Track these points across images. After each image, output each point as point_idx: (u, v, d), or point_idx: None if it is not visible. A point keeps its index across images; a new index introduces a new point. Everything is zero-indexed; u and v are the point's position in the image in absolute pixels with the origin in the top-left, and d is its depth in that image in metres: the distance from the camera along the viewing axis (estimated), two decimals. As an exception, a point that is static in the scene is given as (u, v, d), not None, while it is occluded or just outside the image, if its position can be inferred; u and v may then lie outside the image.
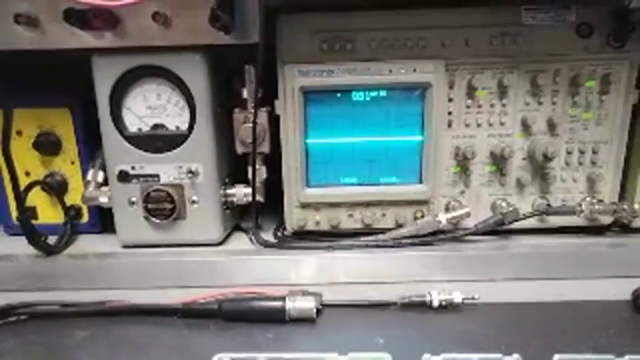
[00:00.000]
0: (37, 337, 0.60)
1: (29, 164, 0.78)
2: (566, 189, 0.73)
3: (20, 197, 0.69)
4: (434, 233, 0.72)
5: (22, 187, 0.70)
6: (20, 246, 0.73)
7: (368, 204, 0.74)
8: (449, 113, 0.71)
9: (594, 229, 0.75)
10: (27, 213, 0.71)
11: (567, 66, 0.69)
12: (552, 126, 0.71)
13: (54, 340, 0.59)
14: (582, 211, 0.72)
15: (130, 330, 0.61)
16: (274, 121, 0.72)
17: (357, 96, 0.70)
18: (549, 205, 0.73)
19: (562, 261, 0.69)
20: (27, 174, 0.78)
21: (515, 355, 0.46)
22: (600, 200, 0.73)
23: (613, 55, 0.68)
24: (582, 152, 0.72)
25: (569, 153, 0.72)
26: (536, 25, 0.68)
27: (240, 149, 0.73)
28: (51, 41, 0.66)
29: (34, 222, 0.72)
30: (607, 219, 0.74)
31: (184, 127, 0.71)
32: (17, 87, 0.80)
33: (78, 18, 0.63)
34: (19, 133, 0.76)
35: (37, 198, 0.78)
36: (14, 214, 0.79)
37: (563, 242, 0.73)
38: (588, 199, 0.73)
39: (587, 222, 0.74)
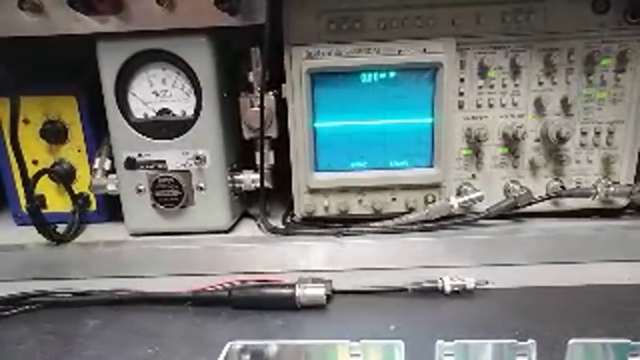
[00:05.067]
0: (49, 325, 0.60)
1: (36, 152, 0.77)
2: (581, 170, 0.72)
3: (29, 186, 0.69)
4: (445, 217, 0.71)
5: (30, 176, 0.70)
6: (30, 235, 0.73)
7: (378, 189, 0.73)
8: (460, 94, 0.69)
9: (610, 212, 0.73)
10: (36, 202, 0.71)
11: (582, 44, 0.67)
12: (566, 106, 0.69)
13: (66, 329, 0.59)
14: (597, 193, 0.70)
15: (140, 319, 0.61)
16: (282, 105, 0.71)
17: (366, 78, 0.69)
18: (563, 187, 0.72)
19: (576, 245, 0.68)
20: (35, 162, 0.78)
21: (530, 341, 0.45)
22: (616, 182, 0.71)
23: (630, 31, 0.66)
24: (597, 133, 0.70)
25: (583, 134, 0.70)
26: (550, 2, 0.66)
27: (247, 134, 0.72)
28: (55, 26, 0.65)
29: (42, 211, 0.72)
30: (622, 201, 0.72)
31: (190, 112, 0.70)
32: (23, 75, 0.79)
33: (82, 3, 0.62)
34: (25, 121, 0.76)
35: (45, 187, 0.78)
36: (23, 203, 0.79)
37: (578, 225, 0.71)
38: (603, 180, 0.71)
39: (602, 204, 0.72)
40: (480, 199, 0.71)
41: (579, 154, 0.71)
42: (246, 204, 0.82)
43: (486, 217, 0.71)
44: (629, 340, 0.45)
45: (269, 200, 0.75)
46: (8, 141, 0.66)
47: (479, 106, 0.70)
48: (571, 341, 0.45)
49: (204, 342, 0.55)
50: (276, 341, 0.48)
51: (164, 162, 0.71)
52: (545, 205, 0.72)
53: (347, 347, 0.46)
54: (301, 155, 0.72)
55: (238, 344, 0.47)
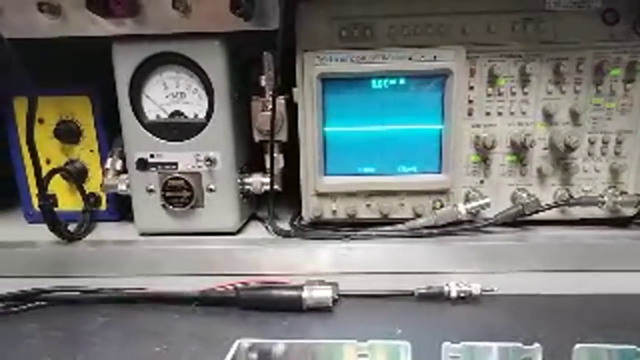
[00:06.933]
0: (58, 322, 0.61)
1: (49, 151, 0.79)
2: (588, 179, 0.72)
3: (42, 185, 0.70)
4: (452, 223, 0.72)
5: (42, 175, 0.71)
6: (41, 233, 0.74)
7: (386, 194, 0.73)
8: (470, 101, 0.70)
9: (617, 221, 0.73)
10: (49, 200, 0.72)
11: (592, 54, 0.67)
12: (574, 115, 0.69)
13: (74, 326, 0.60)
14: (604, 202, 0.71)
15: (148, 317, 0.61)
16: (292, 109, 0.72)
17: (376, 84, 0.69)
18: (570, 196, 0.72)
19: (583, 253, 0.68)
20: (48, 161, 0.79)
21: (536, 344, 0.45)
22: (624, 192, 0.71)
23: (639, 42, 0.67)
24: (605, 142, 0.70)
25: (591, 143, 0.71)
26: (560, 12, 0.66)
27: (257, 137, 0.73)
28: (73, 29, 0.66)
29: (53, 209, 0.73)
30: (630, 211, 0.72)
31: (203, 115, 0.71)
32: (38, 76, 0.80)
33: (99, 5, 0.64)
34: (40, 121, 0.77)
35: (56, 186, 0.79)
36: (35, 201, 0.80)
37: (584, 234, 0.71)
38: (611, 190, 0.71)
39: (609, 213, 0.72)
40: (486, 205, 0.71)
41: (587, 163, 0.71)
42: (255, 207, 0.82)
43: (493, 224, 0.71)
44: (634, 346, 0.45)
45: (277, 203, 0.76)
46: (23, 140, 0.67)
47: (488, 114, 0.70)
48: (577, 346, 0.45)
49: (211, 341, 0.55)
50: (284, 340, 0.48)
51: (175, 163, 0.72)
52: (552, 214, 0.72)
53: (354, 347, 0.47)
54: (310, 159, 0.72)
55: (246, 342, 0.48)
